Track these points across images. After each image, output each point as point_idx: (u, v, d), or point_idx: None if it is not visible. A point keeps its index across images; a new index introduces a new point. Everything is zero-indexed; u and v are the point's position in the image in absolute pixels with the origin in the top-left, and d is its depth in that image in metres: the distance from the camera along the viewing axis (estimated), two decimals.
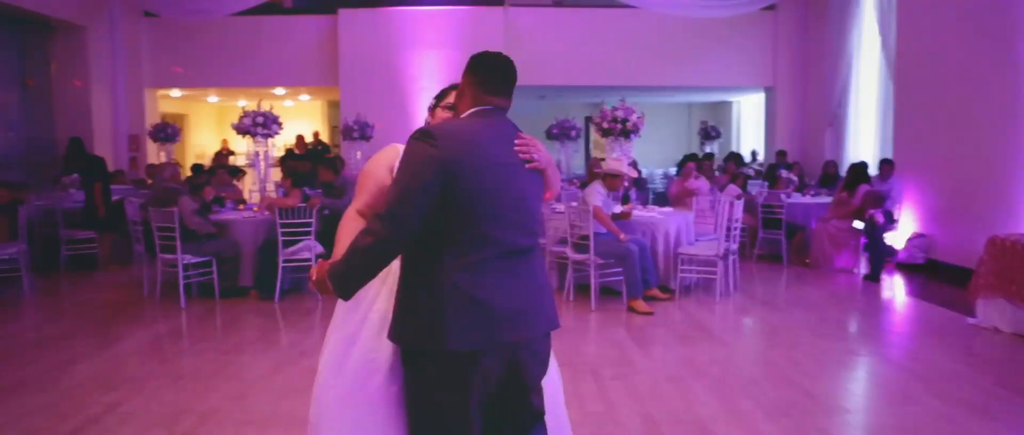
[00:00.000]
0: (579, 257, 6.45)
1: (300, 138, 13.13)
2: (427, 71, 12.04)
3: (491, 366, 2.10)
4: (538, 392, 2.27)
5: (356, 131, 11.22)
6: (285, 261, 6.76)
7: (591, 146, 17.78)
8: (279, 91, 14.20)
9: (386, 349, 2.23)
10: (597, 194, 6.36)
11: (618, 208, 6.92)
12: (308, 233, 6.77)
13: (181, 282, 6.51)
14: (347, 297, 2.13)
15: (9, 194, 7.94)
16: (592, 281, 6.36)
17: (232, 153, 16.28)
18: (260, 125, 7.81)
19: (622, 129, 7.34)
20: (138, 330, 5.85)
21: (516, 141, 2.16)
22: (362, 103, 11.86)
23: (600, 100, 16.81)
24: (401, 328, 2.10)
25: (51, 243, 8.51)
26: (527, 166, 2.15)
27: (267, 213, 7.05)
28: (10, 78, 11.20)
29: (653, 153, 16.59)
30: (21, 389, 4.46)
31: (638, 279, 6.25)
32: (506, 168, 2.10)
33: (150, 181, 10.80)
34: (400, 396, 2.22)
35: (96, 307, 6.71)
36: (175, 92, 14.20)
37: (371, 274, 2.09)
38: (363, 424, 2.22)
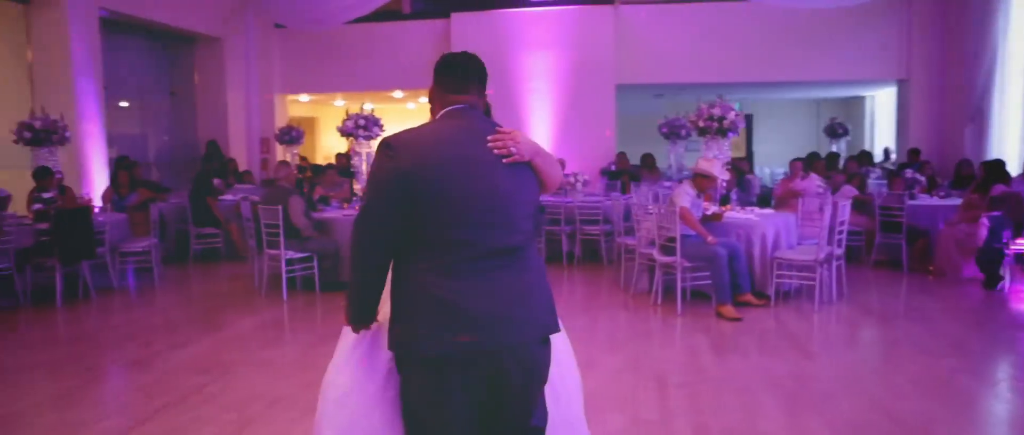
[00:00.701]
0: (666, 259, 6.26)
1: None
2: (537, 72, 12.11)
3: (474, 373, 2.05)
4: (532, 403, 2.18)
5: None
6: None
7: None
8: (397, 94, 14.74)
9: (385, 354, 2.24)
10: (685, 195, 6.14)
11: (713, 209, 6.67)
12: None
13: (284, 276, 6.92)
14: (358, 322, 2.16)
15: (149, 193, 8.77)
16: (678, 284, 6.16)
17: (358, 154, 17.16)
18: (362, 127, 8.15)
19: (718, 127, 7.04)
20: (242, 319, 6.28)
21: (490, 137, 2.08)
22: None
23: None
24: (390, 334, 2.12)
25: (183, 237, 9.31)
26: (504, 161, 2.06)
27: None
28: (160, 88, 12.37)
29: (776, 152, 15.81)
30: (130, 368, 4.92)
31: (726, 283, 5.98)
32: (479, 167, 2.04)
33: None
34: (396, 400, 2.23)
35: (211, 297, 7.27)
36: (304, 97, 15.09)
37: (363, 294, 2.12)
38: (361, 425, 2.23)
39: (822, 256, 6.16)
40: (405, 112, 17.01)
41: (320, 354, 5.16)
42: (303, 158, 14.16)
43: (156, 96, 12.35)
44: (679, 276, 6.15)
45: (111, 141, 11.18)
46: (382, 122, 8.54)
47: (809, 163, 8.95)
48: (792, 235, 6.83)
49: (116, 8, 9.90)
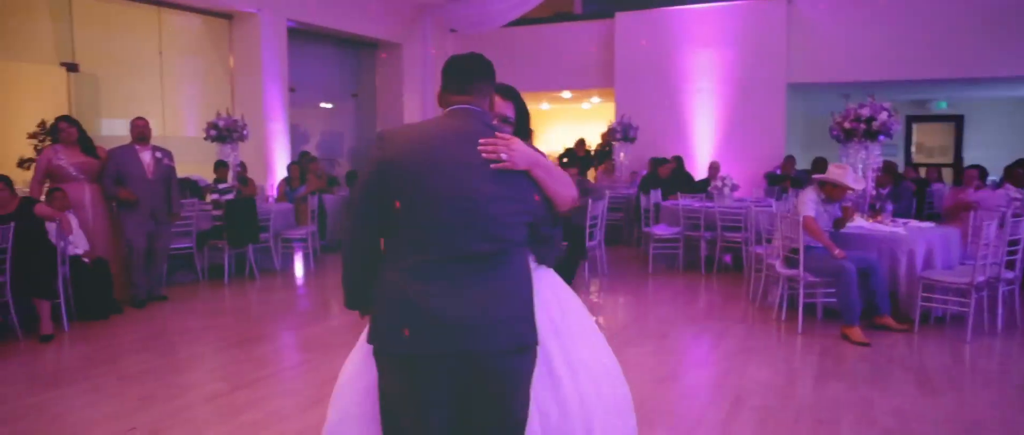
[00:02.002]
0: (788, 272, 5.76)
1: (580, 141, 13.61)
2: (701, 70, 11.62)
3: (441, 375, 2.04)
4: (512, 412, 2.11)
5: (619, 133, 11.31)
6: None
7: (913, 149, 15.41)
8: (566, 95, 14.85)
9: None
10: (809, 203, 5.61)
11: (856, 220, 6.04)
12: None
13: None
14: (350, 306, 2.23)
15: (316, 185, 9.64)
16: (800, 300, 5.64)
17: None
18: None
19: (867, 130, 6.31)
20: None
21: (482, 140, 2.03)
22: (636, 104, 11.90)
23: (923, 97, 14.52)
24: (368, 326, 2.16)
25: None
26: (493, 167, 2.01)
27: None
28: (345, 91, 13.52)
29: (982, 157, 13.81)
30: (247, 344, 5.48)
31: (854, 303, 5.37)
32: (465, 169, 2.00)
33: None
34: None
35: None
36: None
37: (350, 280, 2.19)
38: (362, 408, 2.29)
39: (981, 279, 5.32)
40: (579, 112, 17.09)
41: None
42: None
43: (342, 98, 13.52)
44: (801, 291, 5.63)
45: (307, 138, 12.43)
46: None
47: (1009, 172, 7.75)
48: (952, 253, 5.97)
49: (303, 19, 10.98)
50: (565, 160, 12.61)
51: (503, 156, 2.00)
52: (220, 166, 8.32)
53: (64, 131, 6.52)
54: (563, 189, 2.13)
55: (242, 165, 9.13)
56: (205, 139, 8.65)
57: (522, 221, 2.07)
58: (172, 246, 7.42)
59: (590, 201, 7.41)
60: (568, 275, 7.36)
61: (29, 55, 8.56)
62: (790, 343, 5.40)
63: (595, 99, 16.23)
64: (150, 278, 6.88)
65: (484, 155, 2.00)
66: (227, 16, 10.43)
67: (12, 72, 8.66)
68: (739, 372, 4.67)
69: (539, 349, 2.24)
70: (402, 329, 2.00)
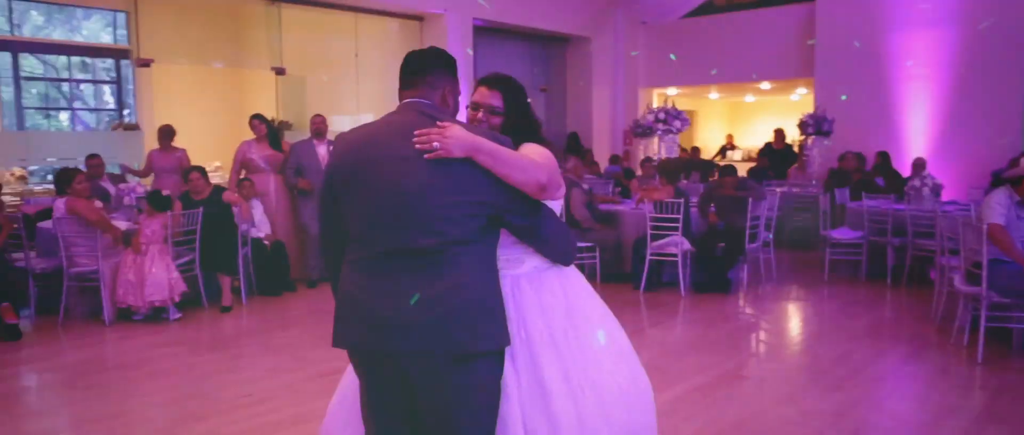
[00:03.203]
0: (968, 289, 4.89)
1: (779, 132, 12.64)
2: (916, 53, 10.22)
3: (382, 373, 2.03)
4: (458, 429, 2.01)
5: (811, 126, 10.29)
6: (652, 254, 6.89)
7: None
8: (764, 85, 13.85)
9: None
10: (997, 207, 4.70)
11: None
12: (675, 228, 6.74)
13: None
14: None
15: None
16: (982, 323, 4.76)
17: (734, 147, 16.62)
18: (661, 121, 7.96)
19: None
20: None
21: (416, 132, 1.94)
22: (837, 93, 10.79)
23: None
24: None
25: None
26: (426, 157, 1.91)
27: (646, 206, 7.25)
28: (532, 86, 13.77)
29: None
30: None
31: None
32: (398, 162, 1.95)
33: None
34: None
35: None
36: (671, 90, 15.17)
37: (328, 269, 2.24)
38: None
39: None
40: (786, 105, 15.86)
41: None
42: (684, 149, 14.18)
43: (530, 93, 13.77)
44: (983, 313, 4.75)
45: None
46: (685, 115, 8.21)
47: None
48: None
49: (491, 17, 11.35)
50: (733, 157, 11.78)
51: (435, 145, 1.90)
52: None
53: (255, 127, 7.36)
54: (517, 174, 1.94)
55: None
56: None
57: (466, 213, 1.94)
58: None
59: (750, 200, 6.87)
60: (721, 274, 6.92)
61: (248, 62, 9.78)
62: (958, 374, 4.60)
63: (802, 90, 14.98)
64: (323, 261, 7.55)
65: (418, 146, 1.91)
66: (418, 18, 11.09)
67: (237, 77, 9.95)
68: (872, 403, 4.06)
69: (523, 360, 2.12)
70: (345, 322, 2.03)
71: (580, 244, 7.24)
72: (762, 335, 5.80)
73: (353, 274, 2.03)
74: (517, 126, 2.28)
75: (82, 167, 6.72)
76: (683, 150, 12.12)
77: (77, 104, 11.31)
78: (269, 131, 7.44)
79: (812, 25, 11.30)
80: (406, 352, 1.95)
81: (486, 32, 11.93)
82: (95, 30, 10.96)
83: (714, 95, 16.22)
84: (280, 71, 9.82)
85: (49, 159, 9.30)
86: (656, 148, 10.22)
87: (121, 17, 10.45)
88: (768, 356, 5.27)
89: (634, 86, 13.95)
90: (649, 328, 5.94)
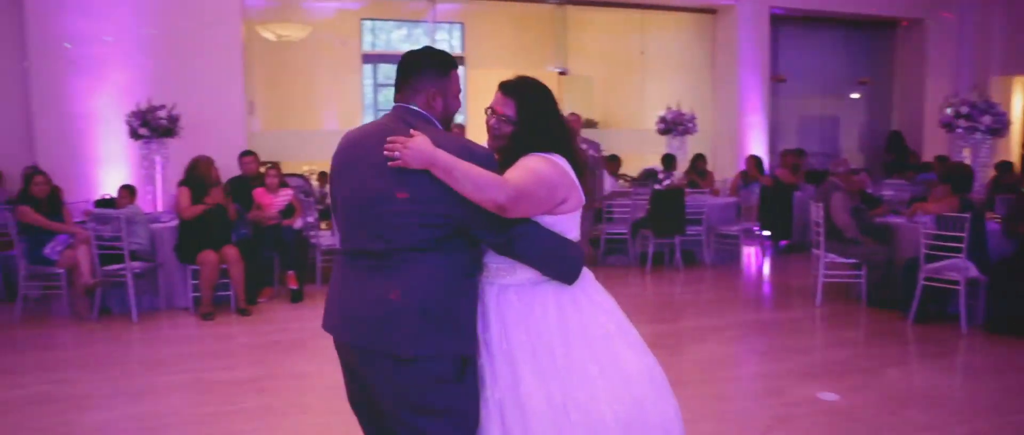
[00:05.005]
0: None
1: None
2: None
3: (347, 363, 2.17)
4: (409, 429, 2.03)
5: None
6: (925, 279, 5.77)
7: None
8: None
9: None
10: None
11: None
12: (959, 249, 5.55)
13: (819, 280, 6.43)
14: None
15: (770, 180, 9.22)
16: None
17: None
18: (963, 116, 6.50)
19: None
20: (743, 312, 6.30)
21: (388, 139, 1.99)
22: None
23: None
24: None
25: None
26: (390, 164, 1.96)
27: (924, 219, 6.08)
28: (848, 78, 12.28)
29: None
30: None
31: None
32: (367, 168, 2.03)
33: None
34: None
35: (746, 287, 7.33)
36: None
37: None
38: None
39: None
40: None
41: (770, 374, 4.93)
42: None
43: (845, 86, 12.32)
44: None
45: (793, 131, 11.89)
46: (1000, 108, 6.58)
47: None
48: None
49: (792, 5, 10.44)
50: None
51: (396, 155, 1.94)
52: (666, 159, 8.73)
53: None
54: (472, 191, 1.92)
55: (700, 156, 9.35)
56: (657, 132, 9.15)
57: (420, 223, 1.97)
58: (610, 231, 8.21)
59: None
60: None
61: (531, 64, 10.41)
62: None
63: None
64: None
65: (385, 153, 1.97)
66: (710, 11, 10.66)
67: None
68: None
69: (504, 375, 2.10)
70: (327, 309, 2.19)
71: (841, 260, 6.36)
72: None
73: (336, 266, 2.21)
74: (531, 136, 2.18)
75: None
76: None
77: None
78: None
79: None
80: (356, 347, 2.07)
81: (788, 21, 11.01)
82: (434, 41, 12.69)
83: None
84: (563, 71, 10.27)
85: None
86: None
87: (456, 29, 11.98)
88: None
89: (985, 74, 11.63)
90: (917, 371, 4.99)
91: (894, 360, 5.00)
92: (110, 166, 7.62)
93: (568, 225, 2.17)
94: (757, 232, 9.16)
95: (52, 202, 6.11)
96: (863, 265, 6.35)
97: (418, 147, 1.93)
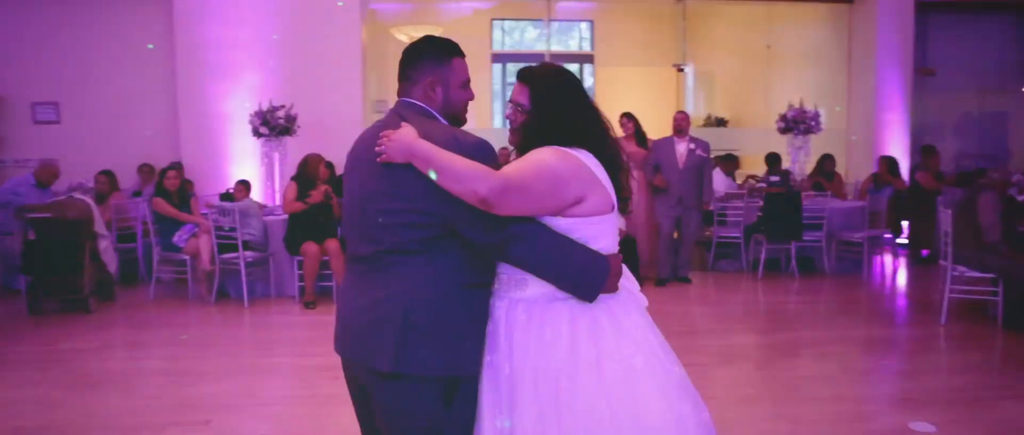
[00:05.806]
0: None
1: None
2: None
3: (352, 382, 2.01)
4: None
5: None
6: None
7: None
8: None
9: None
10: None
11: None
12: None
13: (945, 293, 5.79)
14: None
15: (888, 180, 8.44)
16: None
17: None
18: None
19: None
20: (853, 328, 5.81)
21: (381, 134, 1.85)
22: None
23: None
24: None
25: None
26: (377, 160, 1.82)
27: None
28: (1014, 70, 10.96)
29: None
30: (693, 335, 5.58)
31: None
32: (362, 166, 1.92)
33: None
34: None
35: (852, 302, 6.72)
36: None
37: None
38: None
39: None
40: None
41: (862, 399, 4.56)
42: None
43: (1010, 79, 10.99)
44: None
45: (940, 129, 10.83)
46: None
47: None
48: None
49: None
50: None
51: (381, 149, 1.80)
52: (771, 159, 8.22)
53: (623, 125, 7.67)
54: (451, 183, 1.72)
55: (828, 157, 8.74)
56: (778, 132, 8.63)
57: (406, 222, 1.80)
58: (722, 235, 7.87)
59: None
60: None
61: (647, 60, 10.13)
62: None
63: None
64: (676, 260, 7.49)
65: (376, 149, 1.83)
66: (847, 1, 9.89)
67: (631, 76, 10.40)
68: None
69: (504, 397, 1.86)
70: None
71: (977, 274, 5.69)
72: None
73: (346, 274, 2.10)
74: (545, 126, 1.93)
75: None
76: None
77: None
78: (636, 129, 7.67)
79: None
80: (345, 358, 1.96)
81: (938, 8, 9.99)
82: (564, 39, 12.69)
83: None
84: (681, 67, 9.91)
85: None
86: None
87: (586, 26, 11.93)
88: None
89: None
90: None
91: (1018, 393, 4.39)
92: (240, 162, 8.25)
93: (591, 230, 1.86)
94: (888, 240, 8.42)
95: (181, 194, 6.75)
96: (1001, 280, 5.66)
97: (399, 138, 1.79)
